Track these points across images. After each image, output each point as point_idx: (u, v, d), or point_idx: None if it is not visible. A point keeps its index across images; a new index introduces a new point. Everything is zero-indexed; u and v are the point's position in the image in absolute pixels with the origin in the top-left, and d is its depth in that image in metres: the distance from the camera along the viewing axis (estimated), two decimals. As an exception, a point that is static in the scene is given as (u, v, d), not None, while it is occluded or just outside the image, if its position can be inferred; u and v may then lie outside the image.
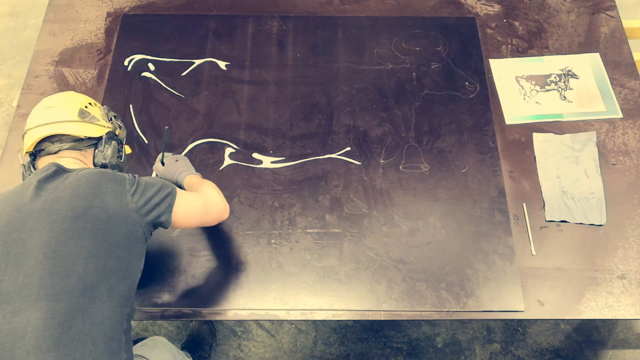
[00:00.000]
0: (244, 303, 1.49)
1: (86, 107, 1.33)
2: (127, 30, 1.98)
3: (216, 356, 2.11)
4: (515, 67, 1.90)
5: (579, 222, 1.61)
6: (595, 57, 1.93)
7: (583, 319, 1.50)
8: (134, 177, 1.25)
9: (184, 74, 1.89)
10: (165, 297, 1.49)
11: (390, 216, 1.62)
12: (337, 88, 1.86)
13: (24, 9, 3.06)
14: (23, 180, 1.29)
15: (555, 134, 1.76)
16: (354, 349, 2.13)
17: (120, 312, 1.16)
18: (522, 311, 1.48)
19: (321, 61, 1.91)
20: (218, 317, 1.48)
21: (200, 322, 2.10)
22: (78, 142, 1.29)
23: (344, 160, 1.72)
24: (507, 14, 2.03)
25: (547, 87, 1.86)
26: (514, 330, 2.16)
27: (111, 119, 1.38)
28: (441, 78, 1.88)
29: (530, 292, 1.51)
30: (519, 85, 1.86)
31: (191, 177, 1.47)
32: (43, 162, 1.27)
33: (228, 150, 1.74)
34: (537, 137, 1.75)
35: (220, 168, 1.70)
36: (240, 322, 2.17)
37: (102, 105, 1.59)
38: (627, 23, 2.05)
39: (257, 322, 2.17)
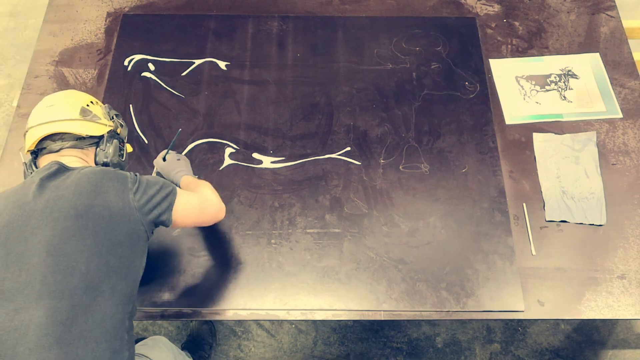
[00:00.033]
0: (244, 303, 1.49)
1: (88, 105, 1.33)
2: (127, 30, 1.98)
3: (216, 356, 2.11)
4: (515, 67, 1.90)
5: (579, 222, 1.61)
6: (595, 57, 1.93)
7: (583, 319, 1.50)
8: (136, 175, 1.25)
9: (184, 74, 1.89)
10: (165, 297, 1.49)
11: (390, 216, 1.62)
12: (337, 88, 1.86)
13: (24, 9, 3.06)
14: (24, 178, 1.29)
15: (555, 134, 1.76)
16: (354, 349, 2.12)
17: (123, 310, 1.16)
18: (522, 311, 1.48)
19: (321, 61, 1.91)
20: (218, 317, 1.48)
21: (200, 322, 2.10)
22: (80, 141, 1.29)
23: (344, 160, 1.72)
24: (507, 14, 2.03)
25: (547, 87, 1.86)
26: (514, 330, 2.16)
27: (112, 118, 1.39)
28: (441, 78, 1.88)
29: (530, 292, 1.51)
30: (519, 85, 1.86)
31: (188, 177, 1.48)
32: (45, 160, 1.27)
33: (228, 150, 1.74)
34: (537, 137, 1.75)
35: (220, 168, 1.70)
36: (240, 322, 2.17)
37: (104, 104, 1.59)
38: (627, 23, 2.05)
39: (257, 322, 2.17)
